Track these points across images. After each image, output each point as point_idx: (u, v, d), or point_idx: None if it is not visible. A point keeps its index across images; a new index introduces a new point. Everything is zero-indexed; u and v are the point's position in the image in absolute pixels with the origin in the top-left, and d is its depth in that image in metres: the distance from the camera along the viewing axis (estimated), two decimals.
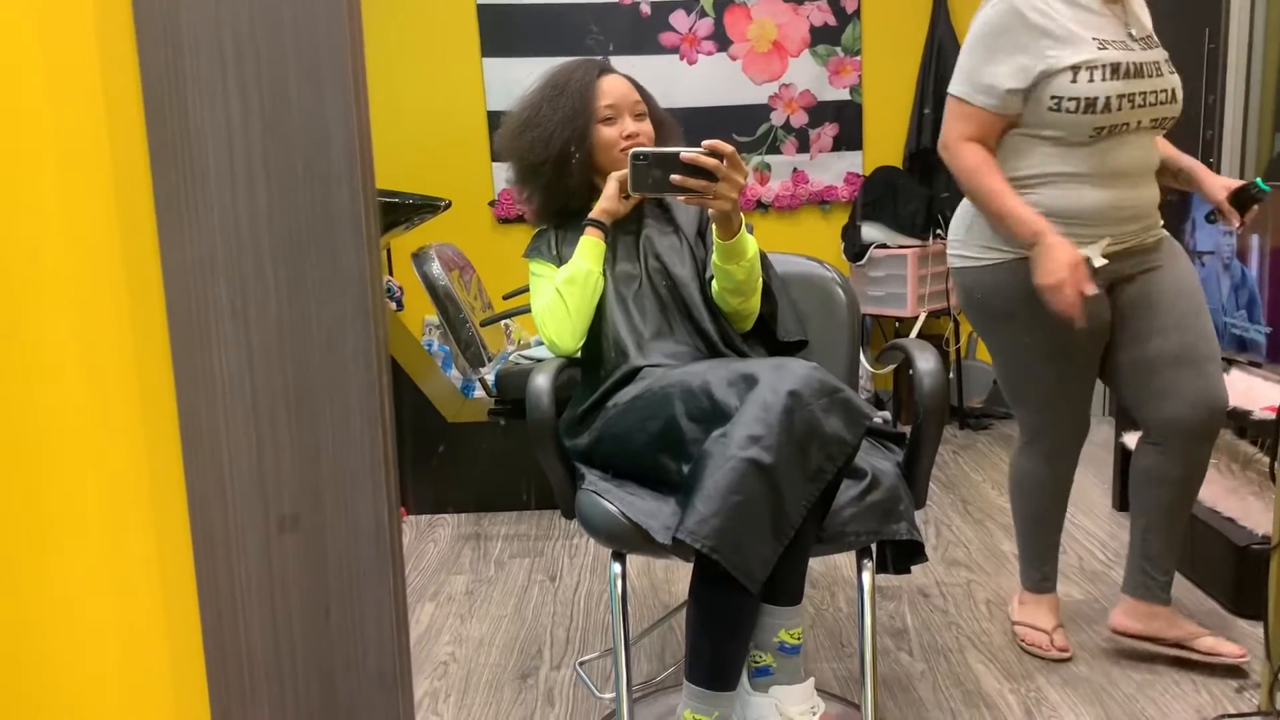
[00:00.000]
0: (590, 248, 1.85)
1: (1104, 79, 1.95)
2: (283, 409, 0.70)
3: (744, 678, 1.61)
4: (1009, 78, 1.97)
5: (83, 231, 0.78)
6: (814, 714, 1.55)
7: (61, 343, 0.77)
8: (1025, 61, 1.96)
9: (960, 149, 2.04)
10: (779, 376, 1.52)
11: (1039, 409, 2.24)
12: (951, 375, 4.38)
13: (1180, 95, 2.07)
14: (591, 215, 1.87)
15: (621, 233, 1.93)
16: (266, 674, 0.68)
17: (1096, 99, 1.94)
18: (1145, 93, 1.99)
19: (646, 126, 1.91)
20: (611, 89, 1.90)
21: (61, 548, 0.79)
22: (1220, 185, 2.14)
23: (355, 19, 0.76)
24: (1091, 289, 1.92)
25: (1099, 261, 1.98)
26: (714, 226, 1.76)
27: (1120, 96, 1.96)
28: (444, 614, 2.62)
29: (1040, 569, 2.31)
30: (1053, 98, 1.96)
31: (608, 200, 1.88)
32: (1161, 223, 2.16)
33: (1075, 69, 1.94)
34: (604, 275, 1.87)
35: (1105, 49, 1.97)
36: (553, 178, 1.90)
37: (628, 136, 1.88)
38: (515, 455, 3.46)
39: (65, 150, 0.76)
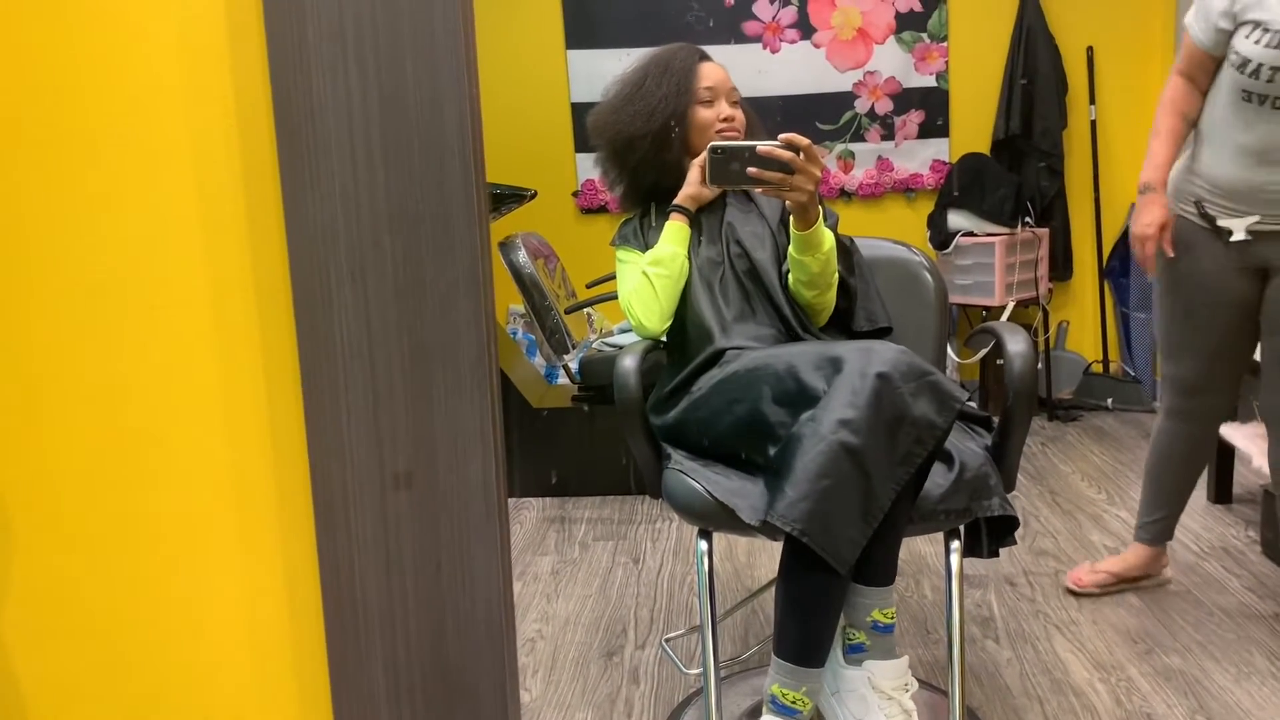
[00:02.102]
0: (676, 232, 1.88)
1: (1265, 45, 1.93)
2: (399, 372, 0.73)
3: (837, 652, 1.61)
4: (1221, 16, 2.01)
5: (212, 204, 0.83)
6: (907, 691, 1.55)
7: (193, 310, 0.83)
8: (1231, 5, 2.00)
9: (1170, 79, 2.15)
10: (867, 359, 1.52)
11: (1173, 363, 2.35)
12: (1040, 366, 4.30)
13: None
14: (676, 201, 1.91)
15: (705, 218, 1.95)
16: (380, 624, 0.72)
17: (1249, 61, 1.95)
18: None
19: (740, 114, 1.95)
20: (711, 73, 1.95)
21: (190, 503, 0.84)
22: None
23: (467, 1, 0.79)
24: (1170, 252, 2.07)
25: (1239, 236, 2.00)
26: (791, 219, 1.78)
27: (1274, 68, 1.93)
28: (531, 593, 2.67)
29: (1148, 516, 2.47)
30: (1233, 50, 2.00)
31: (691, 186, 1.91)
32: None
33: (1254, 25, 1.94)
34: (689, 259, 1.90)
35: None
36: (650, 153, 1.95)
37: (724, 120, 1.92)
38: (599, 440, 3.51)
39: (196, 125, 0.81)
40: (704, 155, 1.86)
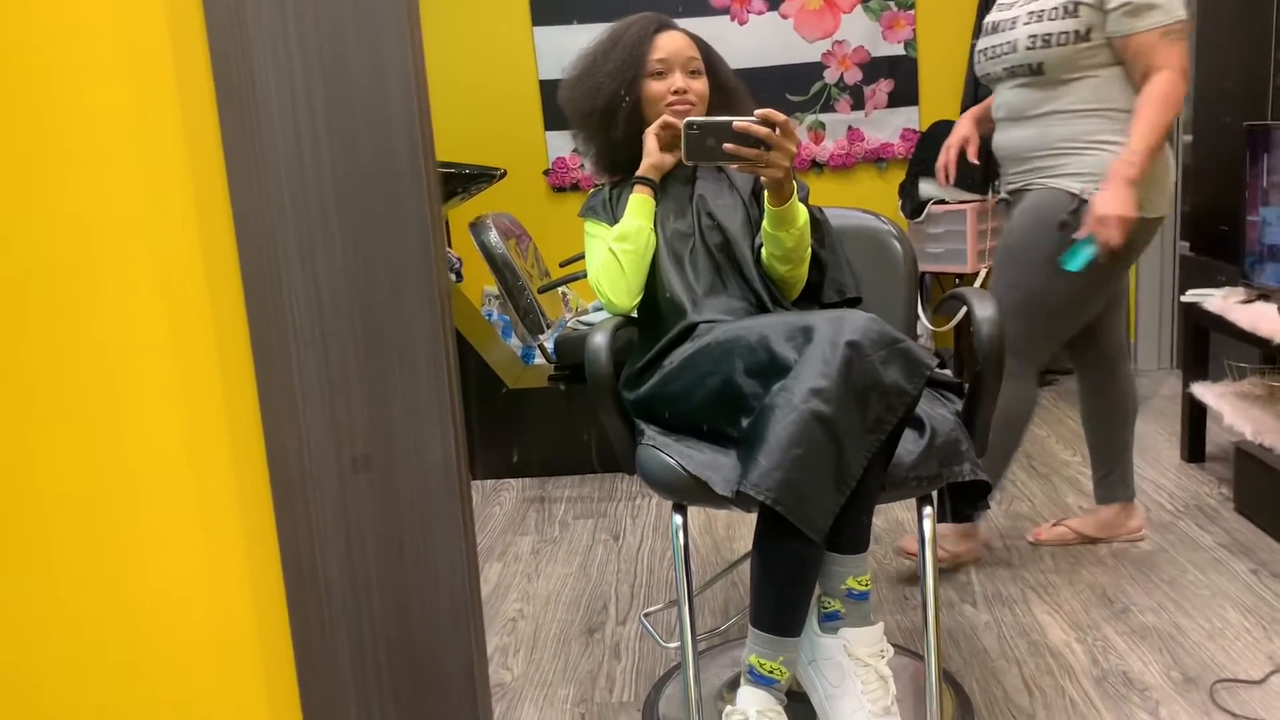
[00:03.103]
0: (639, 205, 1.87)
1: (979, 35, 2.37)
2: (352, 354, 0.73)
3: (813, 622, 1.62)
4: None
5: (157, 182, 0.82)
6: (883, 657, 1.56)
7: (141, 293, 0.81)
8: None
9: None
10: (837, 328, 1.52)
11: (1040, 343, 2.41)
12: None
13: (1024, 44, 2.22)
14: (639, 173, 1.89)
15: (675, 190, 1.94)
16: (344, 609, 0.71)
17: (973, 53, 2.40)
18: (995, 45, 2.30)
19: (699, 84, 1.92)
20: (666, 44, 1.91)
21: (147, 494, 0.83)
22: (1100, 199, 2.16)
23: None
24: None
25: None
26: (766, 193, 1.77)
27: (980, 51, 2.36)
28: (511, 573, 2.68)
29: None
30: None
31: (651, 155, 1.89)
32: (1048, 173, 2.27)
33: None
34: (657, 232, 1.89)
35: (1006, 10, 2.31)
36: (600, 128, 1.95)
37: (675, 92, 1.89)
38: (576, 419, 3.50)
39: (137, 103, 0.79)
40: (656, 125, 1.88)
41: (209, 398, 0.79)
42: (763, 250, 1.87)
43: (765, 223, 1.81)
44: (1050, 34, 2.17)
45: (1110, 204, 2.10)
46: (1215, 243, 3.58)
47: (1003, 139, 2.37)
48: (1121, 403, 2.53)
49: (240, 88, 0.73)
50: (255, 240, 0.76)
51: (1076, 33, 2.15)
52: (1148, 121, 2.09)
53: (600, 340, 1.74)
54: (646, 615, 2.34)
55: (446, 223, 4.47)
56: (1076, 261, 2.13)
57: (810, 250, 1.87)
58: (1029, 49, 2.21)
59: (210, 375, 0.80)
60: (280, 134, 0.75)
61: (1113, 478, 2.55)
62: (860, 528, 1.61)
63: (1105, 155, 2.17)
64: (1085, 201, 2.18)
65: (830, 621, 1.61)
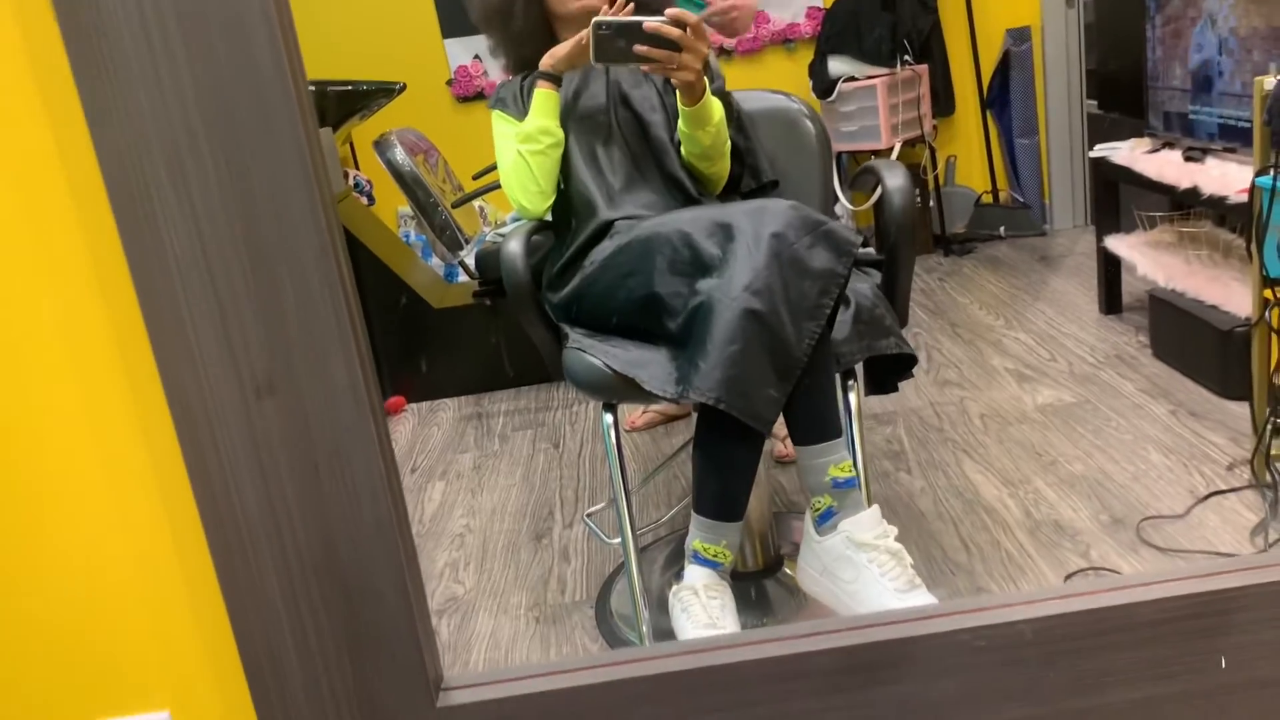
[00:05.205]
0: (543, 102, 1.81)
1: None
2: (240, 281, 0.70)
3: (811, 533, 1.57)
4: None
5: (11, 126, 0.77)
6: (889, 537, 1.51)
7: (16, 245, 0.77)
8: None
9: None
10: (759, 220, 1.51)
11: None
12: (932, 204, 4.36)
13: None
14: (541, 66, 1.83)
15: (590, 81, 1.89)
16: (266, 536, 0.70)
17: None
18: None
19: None
20: None
21: (50, 449, 0.80)
22: None
23: None
24: None
25: None
26: (678, 95, 1.74)
27: None
28: (455, 490, 2.68)
29: None
30: None
31: (559, 47, 1.83)
32: None
33: None
34: (569, 127, 1.84)
35: None
36: (502, 24, 1.91)
37: None
38: (506, 333, 3.47)
39: None
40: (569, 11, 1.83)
41: (95, 339, 0.76)
42: (682, 149, 1.84)
43: (681, 124, 1.78)
44: None
45: None
46: (1120, 99, 3.62)
47: None
48: None
49: (86, 19, 0.69)
50: (121, 171, 0.72)
51: None
52: None
53: (515, 247, 1.71)
54: (589, 515, 2.37)
55: (351, 144, 4.34)
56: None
57: (730, 143, 1.85)
58: None
59: (94, 316, 0.77)
60: (134, 54, 0.71)
61: None
62: (824, 414, 1.58)
63: None
64: None
65: (826, 521, 1.55)
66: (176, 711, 0.78)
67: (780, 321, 1.45)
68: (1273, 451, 2.04)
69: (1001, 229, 4.42)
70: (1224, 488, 2.06)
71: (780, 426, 1.60)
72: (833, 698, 0.72)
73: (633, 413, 2.91)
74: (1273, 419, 2.00)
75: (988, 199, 4.53)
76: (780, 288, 1.46)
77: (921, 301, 3.67)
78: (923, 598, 1.44)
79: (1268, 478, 2.02)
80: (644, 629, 1.69)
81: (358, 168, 4.38)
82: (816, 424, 1.56)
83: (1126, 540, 1.94)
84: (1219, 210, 2.58)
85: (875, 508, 1.55)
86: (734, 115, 1.91)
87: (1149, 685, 0.72)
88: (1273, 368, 2.05)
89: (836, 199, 2.00)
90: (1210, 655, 0.71)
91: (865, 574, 1.49)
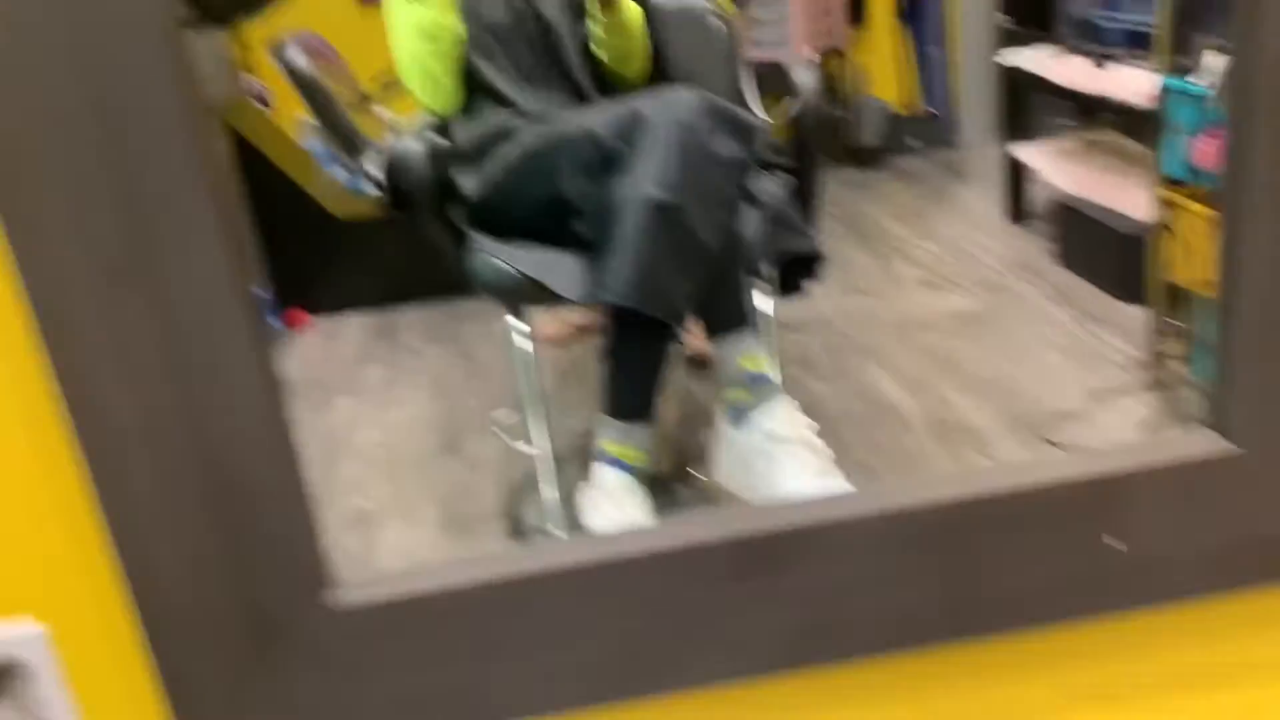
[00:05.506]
0: None
1: None
2: (95, 156, 0.64)
3: (726, 429, 1.57)
4: None
5: None
6: (805, 428, 1.52)
7: None
8: None
9: None
10: (665, 111, 1.49)
11: None
12: (845, 115, 4.34)
13: None
14: None
15: None
16: (137, 434, 0.65)
17: None
18: None
19: None
20: None
21: None
22: None
23: None
24: None
25: None
26: (599, 7, 1.68)
27: None
28: (363, 404, 2.63)
29: None
30: None
31: None
32: None
33: None
34: (469, 24, 1.77)
35: None
36: None
37: None
38: (415, 245, 3.38)
39: None
40: None
41: None
42: (599, 51, 1.78)
43: (599, 31, 1.73)
44: None
45: None
46: (1032, 12, 3.61)
47: None
48: None
49: None
50: None
51: None
52: None
53: (411, 146, 1.65)
54: (498, 425, 2.34)
55: (246, 48, 4.14)
56: None
57: (650, 44, 1.81)
58: None
59: None
60: None
61: None
62: (733, 304, 1.56)
63: None
64: None
65: (741, 416, 1.55)
66: (53, 624, 0.74)
67: (689, 213, 1.44)
68: (1166, 351, 2.10)
69: (912, 141, 4.44)
70: (1121, 387, 2.11)
71: (693, 331, 1.60)
72: (732, 585, 0.71)
73: (545, 326, 2.87)
74: (1165, 319, 2.06)
75: (901, 111, 4.54)
76: (688, 178, 1.44)
77: (833, 213, 3.66)
78: (839, 484, 1.47)
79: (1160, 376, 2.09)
80: (557, 535, 1.69)
81: (254, 71, 4.19)
82: (727, 314, 1.57)
83: (1027, 439, 1.98)
84: (1126, 117, 2.61)
85: (790, 400, 1.56)
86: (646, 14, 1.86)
87: (1046, 569, 0.72)
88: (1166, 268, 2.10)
89: (745, 102, 1.97)
90: (1103, 536, 0.72)
91: (781, 465, 1.49)
